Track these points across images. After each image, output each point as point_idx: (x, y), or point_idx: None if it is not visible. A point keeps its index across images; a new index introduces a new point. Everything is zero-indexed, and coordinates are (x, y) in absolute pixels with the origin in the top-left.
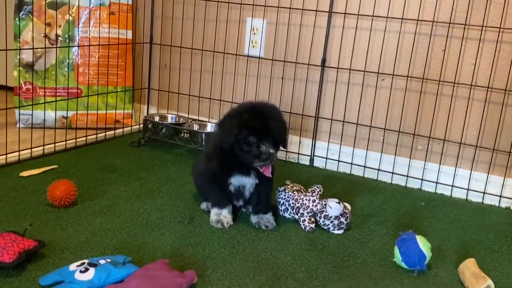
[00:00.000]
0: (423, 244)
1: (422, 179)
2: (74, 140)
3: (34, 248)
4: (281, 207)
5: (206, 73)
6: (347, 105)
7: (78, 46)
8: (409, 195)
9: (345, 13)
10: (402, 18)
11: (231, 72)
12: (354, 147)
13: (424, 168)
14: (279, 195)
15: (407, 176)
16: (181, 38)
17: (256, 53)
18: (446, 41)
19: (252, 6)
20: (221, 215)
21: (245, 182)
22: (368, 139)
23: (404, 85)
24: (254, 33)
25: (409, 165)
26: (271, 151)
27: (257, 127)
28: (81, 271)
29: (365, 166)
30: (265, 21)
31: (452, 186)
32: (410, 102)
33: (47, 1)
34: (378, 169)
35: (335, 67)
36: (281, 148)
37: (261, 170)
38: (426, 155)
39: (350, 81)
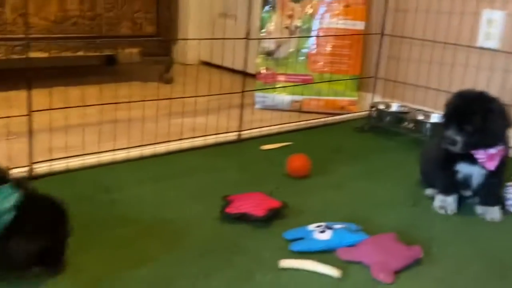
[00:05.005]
0: None
1: None
2: (304, 122)
3: (279, 207)
4: (509, 201)
5: (435, 64)
6: None
7: (314, 36)
8: None
9: None
10: None
11: (461, 63)
12: None
13: None
14: (508, 189)
15: None
16: (413, 29)
17: (491, 45)
18: None
19: None
20: (446, 202)
21: (472, 171)
22: None
23: None
24: (491, 25)
25: None
26: (456, 137)
27: (445, 111)
28: (320, 232)
29: None
30: (505, 13)
31: None
32: None
33: None
34: None
35: None
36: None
37: (480, 161)
38: None
39: None
